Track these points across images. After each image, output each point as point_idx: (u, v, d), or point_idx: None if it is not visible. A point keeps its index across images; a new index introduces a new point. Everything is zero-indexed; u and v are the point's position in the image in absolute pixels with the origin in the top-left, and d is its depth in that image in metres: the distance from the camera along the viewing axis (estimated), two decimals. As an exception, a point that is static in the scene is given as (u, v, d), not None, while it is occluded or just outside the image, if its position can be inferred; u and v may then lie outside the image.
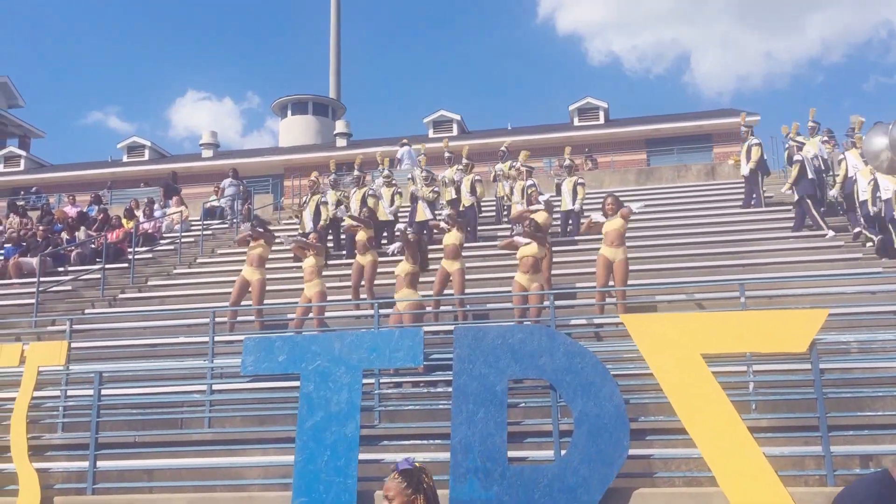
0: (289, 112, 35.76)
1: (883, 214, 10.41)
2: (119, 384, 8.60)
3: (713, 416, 5.39)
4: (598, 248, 9.61)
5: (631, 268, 9.62)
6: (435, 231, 12.58)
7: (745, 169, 13.81)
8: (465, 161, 14.23)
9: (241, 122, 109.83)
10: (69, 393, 8.37)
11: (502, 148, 15.71)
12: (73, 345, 8.47)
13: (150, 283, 13.51)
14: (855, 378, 6.87)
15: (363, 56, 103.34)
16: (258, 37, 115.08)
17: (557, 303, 8.30)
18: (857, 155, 12.01)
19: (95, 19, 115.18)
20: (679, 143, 27.33)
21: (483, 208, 14.94)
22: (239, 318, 10.21)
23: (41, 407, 8.37)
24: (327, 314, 10.36)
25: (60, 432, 7.93)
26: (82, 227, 16.44)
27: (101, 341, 10.42)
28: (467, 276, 10.25)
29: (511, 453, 5.69)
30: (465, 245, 11.18)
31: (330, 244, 13.70)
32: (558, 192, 13.71)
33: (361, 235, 10.99)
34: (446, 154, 14.85)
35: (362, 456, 6.06)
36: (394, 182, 14.00)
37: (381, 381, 7.62)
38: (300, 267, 10.41)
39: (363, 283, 10.68)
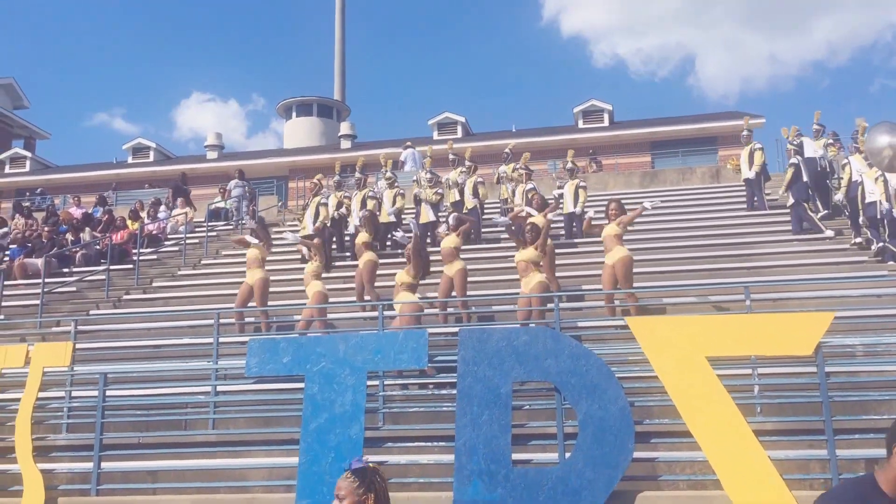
0: (293, 114, 35.81)
1: (880, 216, 10.36)
2: (123, 385, 8.61)
3: (718, 418, 5.38)
4: (600, 251, 9.60)
5: (636, 270, 9.59)
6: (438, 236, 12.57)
7: (751, 173, 13.76)
8: (468, 163, 14.22)
9: (245, 124, 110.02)
10: (74, 394, 8.39)
11: (506, 150, 15.70)
12: (77, 346, 8.49)
13: (154, 284, 13.52)
14: (860, 381, 6.85)
15: (368, 58, 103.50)
16: (263, 39, 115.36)
17: (562, 305, 8.29)
18: (861, 160, 11.98)
19: (100, 21, 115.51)
20: (683, 146, 27.30)
21: (487, 210, 14.92)
22: (247, 320, 10.22)
23: (46, 408, 8.39)
24: (332, 316, 10.37)
25: (65, 433, 7.94)
26: (87, 229, 16.48)
27: (105, 342, 10.43)
28: (472, 279, 10.25)
29: (515, 455, 5.68)
30: (469, 247, 11.20)
31: (333, 246, 13.72)
32: (560, 196, 13.69)
33: (362, 237, 10.96)
34: (450, 156, 14.84)
35: (366, 458, 6.05)
36: (396, 184, 13.99)
37: (386, 382, 7.62)
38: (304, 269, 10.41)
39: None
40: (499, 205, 15.15)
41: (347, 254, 13.43)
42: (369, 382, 6.50)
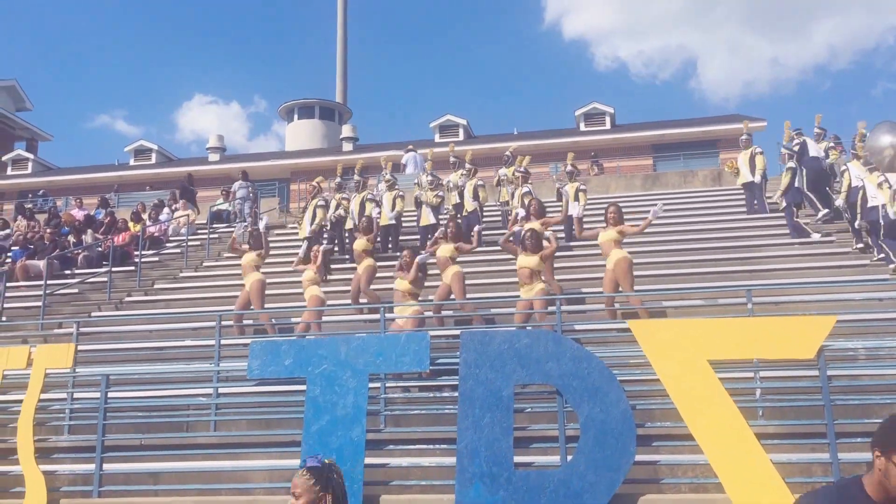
0: (295, 116, 35.84)
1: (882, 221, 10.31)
2: (125, 387, 8.61)
3: (720, 422, 5.38)
4: (600, 253, 9.60)
5: (637, 273, 9.59)
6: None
7: (756, 177, 13.74)
8: (468, 166, 14.22)
9: (247, 126, 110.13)
10: (76, 396, 8.39)
11: (507, 152, 15.70)
12: (79, 347, 8.49)
13: (156, 286, 13.53)
14: (862, 385, 6.85)
15: (370, 60, 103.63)
16: (265, 41, 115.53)
17: (564, 308, 8.29)
18: (860, 165, 11.95)
19: (103, 23, 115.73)
20: (685, 149, 27.31)
21: (487, 213, 14.92)
22: (246, 322, 10.23)
23: (48, 409, 8.39)
24: (332, 318, 10.37)
25: (67, 435, 7.95)
26: (89, 230, 16.50)
27: (107, 344, 10.44)
28: (473, 282, 10.24)
29: (517, 458, 5.68)
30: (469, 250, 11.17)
31: (336, 248, 13.72)
32: (559, 198, 13.68)
33: (360, 244, 10.92)
34: (451, 158, 14.85)
35: (368, 460, 6.06)
36: (396, 186, 13.98)
37: (387, 385, 7.62)
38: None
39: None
40: (498, 207, 15.14)
41: (347, 256, 13.43)
42: (371, 385, 6.50)
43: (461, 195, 13.69)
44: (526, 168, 14.39)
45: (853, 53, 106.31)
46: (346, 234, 13.60)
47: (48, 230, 16.52)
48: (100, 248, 15.22)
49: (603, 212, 9.77)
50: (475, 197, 13.55)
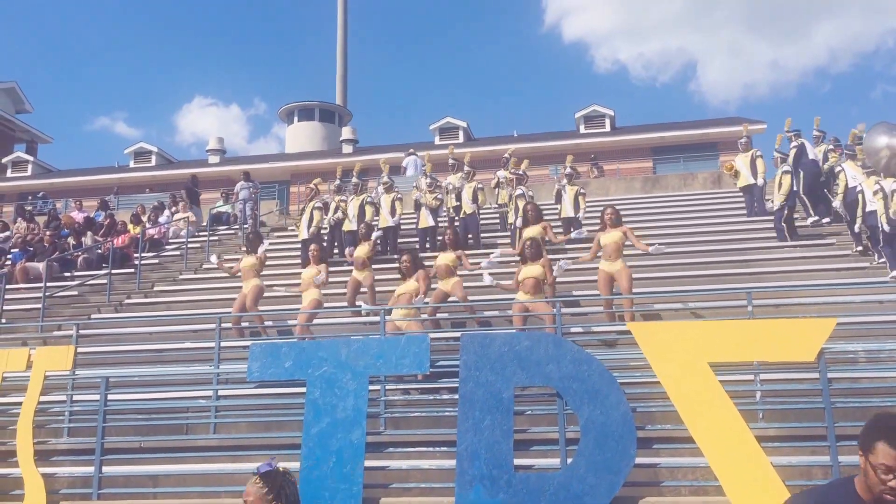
0: (295, 118, 35.87)
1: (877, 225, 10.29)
2: (125, 389, 8.61)
3: (720, 424, 5.37)
4: (599, 255, 9.60)
5: (636, 276, 9.59)
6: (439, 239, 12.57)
7: (760, 180, 13.74)
8: (466, 168, 14.23)
9: (247, 129, 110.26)
10: (75, 398, 8.38)
11: (505, 155, 15.73)
12: (79, 350, 8.48)
13: (156, 288, 13.53)
14: (863, 388, 6.84)
15: (370, 62, 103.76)
16: (265, 43, 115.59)
17: (563, 310, 8.28)
18: (855, 166, 11.93)
19: (103, 25, 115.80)
20: (685, 152, 27.33)
21: (486, 215, 14.95)
22: (243, 325, 10.23)
23: (47, 412, 8.37)
24: (331, 321, 10.37)
25: (66, 437, 7.94)
26: (89, 233, 16.51)
27: (107, 346, 10.44)
28: (470, 284, 10.24)
29: (517, 461, 5.67)
30: (468, 252, 11.18)
31: (335, 251, 13.72)
32: (558, 200, 13.70)
33: (362, 251, 10.88)
34: (450, 161, 14.87)
35: (368, 463, 6.05)
36: (393, 189, 13.97)
37: (387, 387, 7.61)
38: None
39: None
40: (497, 210, 15.16)
41: (344, 259, 13.42)
42: (371, 387, 6.50)
43: (459, 197, 13.70)
44: (524, 171, 14.41)
45: (853, 56, 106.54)
46: (345, 237, 13.59)
47: (48, 232, 16.54)
48: (99, 251, 15.22)
49: (600, 215, 9.78)
50: (474, 200, 13.57)
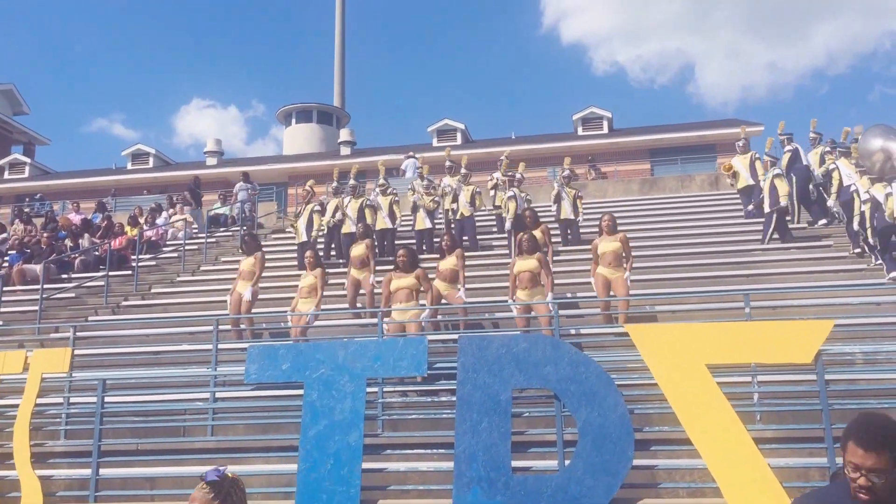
0: (293, 120, 35.87)
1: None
2: (122, 391, 8.60)
3: (718, 426, 5.38)
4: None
5: (634, 277, 9.60)
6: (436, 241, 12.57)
7: (761, 181, 13.75)
8: (463, 171, 14.24)
9: (245, 130, 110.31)
10: (72, 400, 8.38)
11: (502, 157, 15.75)
12: (76, 352, 8.47)
13: (153, 290, 13.51)
14: (860, 389, 6.85)
15: (368, 64, 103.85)
16: (263, 45, 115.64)
17: (561, 312, 8.29)
18: (849, 163, 11.93)
19: (101, 26, 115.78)
20: (683, 153, 27.36)
21: (483, 218, 14.95)
22: (242, 327, 10.22)
23: (44, 414, 8.37)
24: (329, 322, 10.37)
25: (63, 439, 7.93)
26: (86, 235, 16.48)
27: (104, 348, 10.41)
28: (468, 286, 10.23)
29: (515, 463, 5.67)
30: (466, 255, 11.17)
31: (332, 252, 13.71)
32: (557, 202, 13.68)
33: (360, 251, 10.88)
34: (447, 163, 14.88)
35: (365, 465, 6.05)
36: (389, 191, 13.94)
37: (385, 389, 7.61)
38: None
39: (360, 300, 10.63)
40: (493, 211, 15.16)
41: (342, 260, 13.41)
42: (368, 389, 6.49)
43: (456, 199, 13.70)
44: (521, 173, 14.41)
45: (851, 58, 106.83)
46: (343, 239, 13.57)
47: (45, 234, 16.51)
48: (97, 253, 15.20)
49: (600, 216, 9.80)
50: (471, 203, 13.58)
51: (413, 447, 6.86)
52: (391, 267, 11.32)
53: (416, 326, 8.64)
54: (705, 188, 17.81)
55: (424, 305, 9.02)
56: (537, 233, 10.66)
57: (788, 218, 12.54)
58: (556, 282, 10.21)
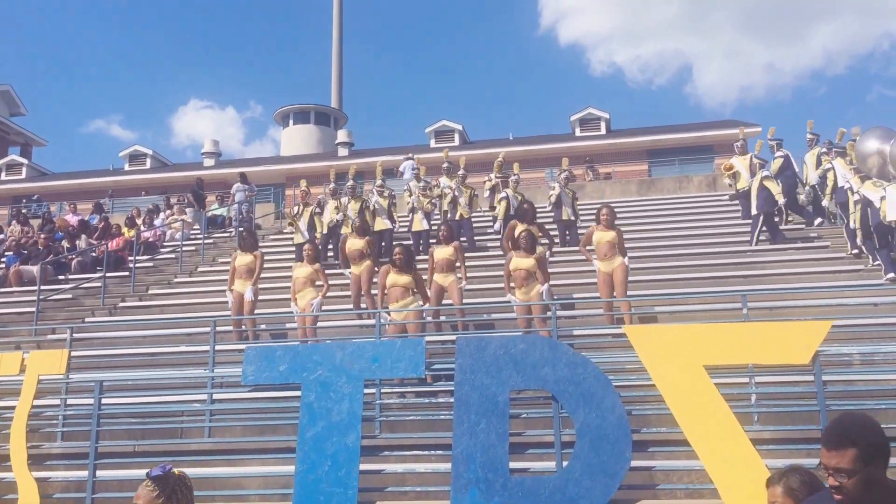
0: (291, 121, 35.86)
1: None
2: (119, 393, 8.58)
3: (715, 427, 5.37)
4: (595, 258, 9.62)
5: (632, 278, 9.61)
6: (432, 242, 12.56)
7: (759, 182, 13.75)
8: (461, 172, 14.23)
9: (243, 131, 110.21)
10: (69, 402, 8.35)
11: (499, 158, 15.75)
12: (73, 353, 8.45)
13: (150, 291, 13.49)
14: (857, 390, 6.85)
15: (366, 65, 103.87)
16: (261, 46, 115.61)
17: (559, 313, 8.29)
18: (845, 164, 11.93)
19: (98, 28, 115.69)
20: (681, 154, 27.39)
21: (480, 218, 14.96)
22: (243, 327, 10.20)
23: (41, 416, 8.35)
24: (328, 324, 10.35)
25: (60, 441, 7.91)
26: (83, 236, 16.45)
27: (101, 350, 10.40)
28: (468, 286, 10.24)
29: (513, 464, 5.66)
30: (466, 255, 11.16)
31: (330, 254, 13.70)
32: (558, 204, 13.68)
33: (357, 245, 10.89)
34: (445, 164, 14.89)
35: (363, 466, 6.04)
36: (387, 193, 13.94)
37: (383, 391, 7.60)
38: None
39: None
40: (490, 212, 15.16)
41: (338, 262, 13.40)
42: (366, 391, 6.49)
43: (454, 201, 13.70)
44: (518, 174, 14.41)
45: (849, 58, 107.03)
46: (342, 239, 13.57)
47: (42, 235, 16.48)
48: (94, 254, 15.18)
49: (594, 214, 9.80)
50: (469, 204, 13.59)
51: (411, 448, 6.85)
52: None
53: (417, 326, 8.64)
54: (703, 189, 17.83)
55: (421, 304, 9.02)
56: (533, 229, 10.66)
57: (777, 219, 12.56)
58: (554, 282, 10.22)
